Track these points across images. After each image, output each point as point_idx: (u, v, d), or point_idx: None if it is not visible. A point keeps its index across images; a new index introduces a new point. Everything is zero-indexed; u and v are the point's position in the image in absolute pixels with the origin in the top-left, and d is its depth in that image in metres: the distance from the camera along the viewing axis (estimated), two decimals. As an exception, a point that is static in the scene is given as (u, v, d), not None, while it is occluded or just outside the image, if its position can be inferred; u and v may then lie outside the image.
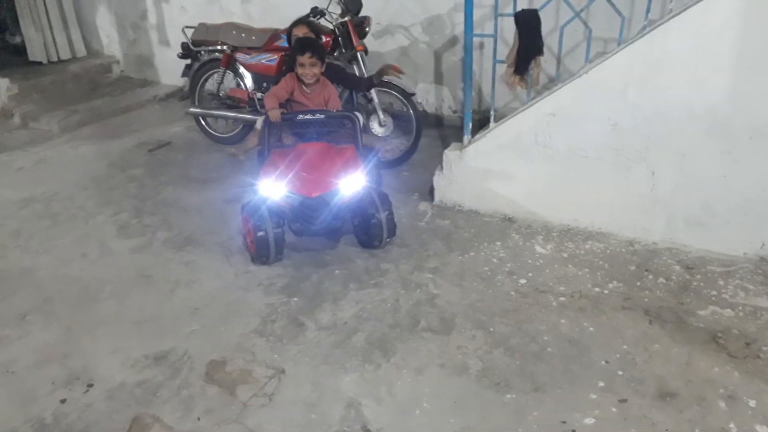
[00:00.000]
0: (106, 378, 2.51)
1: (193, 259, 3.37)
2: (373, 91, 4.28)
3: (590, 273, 3.05)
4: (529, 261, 3.18)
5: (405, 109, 4.40)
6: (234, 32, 4.69)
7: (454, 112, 5.12)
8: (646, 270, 3.03)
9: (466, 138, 3.57)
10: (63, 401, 2.39)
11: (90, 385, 2.47)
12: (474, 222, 3.59)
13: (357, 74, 4.29)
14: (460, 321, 2.76)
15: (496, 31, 3.34)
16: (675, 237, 3.15)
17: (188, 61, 4.99)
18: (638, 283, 2.95)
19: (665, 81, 2.90)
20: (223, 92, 4.85)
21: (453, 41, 4.87)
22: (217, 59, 4.79)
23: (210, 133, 5.07)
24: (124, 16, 6.58)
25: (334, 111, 3.30)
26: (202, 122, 5.06)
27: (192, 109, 4.92)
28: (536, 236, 3.39)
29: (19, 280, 3.25)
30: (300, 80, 3.42)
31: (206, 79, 4.96)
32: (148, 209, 4.00)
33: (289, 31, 3.86)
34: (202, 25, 4.89)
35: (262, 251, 3.13)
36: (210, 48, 4.80)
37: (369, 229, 3.21)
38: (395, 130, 4.53)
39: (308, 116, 3.28)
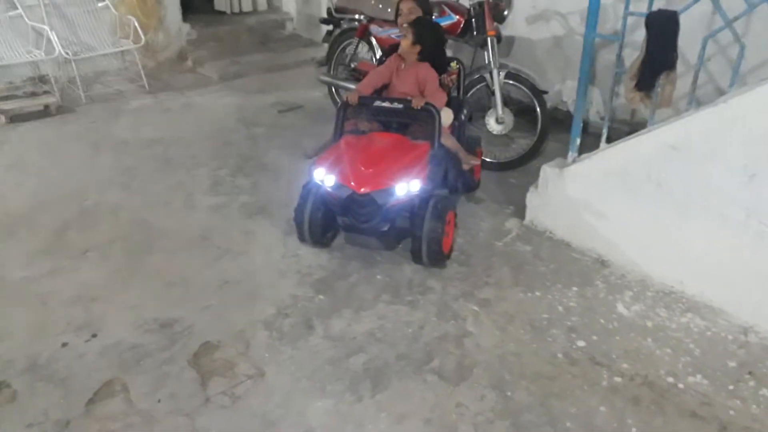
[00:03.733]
0: (110, 332, 2.54)
1: (255, 230, 3.31)
2: (496, 82, 3.81)
3: (672, 356, 2.38)
4: (602, 320, 2.58)
5: (533, 107, 3.88)
6: (372, 2, 4.48)
7: (602, 118, 4.37)
8: (750, 372, 2.28)
9: (571, 155, 2.99)
10: (64, 345, 2.47)
11: (94, 335, 2.53)
12: (559, 255, 3.02)
13: (486, 61, 3.83)
14: (478, 373, 2.33)
15: (623, 32, 2.69)
16: (810, 339, 2.33)
17: (330, 27, 4.91)
18: (731, 387, 2.23)
19: (838, 128, 2.08)
20: (354, 63, 4.71)
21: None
22: (355, 29, 4.63)
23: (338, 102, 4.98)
24: (302, -25, 6.72)
25: (416, 102, 2.93)
26: (333, 91, 4.99)
27: (322, 77, 4.85)
28: (625, 291, 2.74)
29: (105, 215, 3.47)
30: (401, 59, 3.16)
31: (344, 48, 4.85)
32: (246, 169, 4.04)
33: (396, 5, 3.53)
34: (346, -10, 4.75)
35: (299, 230, 3.03)
36: (350, 17, 4.66)
37: (411, 245, 2.86)
38: (518, 129, 4.03)
39: (385, 104, 2.98)
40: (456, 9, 3.98)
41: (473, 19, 3.96)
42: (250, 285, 2.85)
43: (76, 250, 3.13)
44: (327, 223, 3.00)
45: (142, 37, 5.47)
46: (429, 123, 2.94)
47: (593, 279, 2.84)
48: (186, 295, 2.78)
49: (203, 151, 4.34)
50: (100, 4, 5.64)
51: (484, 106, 4.02)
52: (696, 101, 2.65)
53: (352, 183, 2.74)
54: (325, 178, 2.82)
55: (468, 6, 3.99)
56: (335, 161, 2.85)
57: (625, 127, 3.96)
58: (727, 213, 2.42)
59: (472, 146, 3.51)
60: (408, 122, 3.04)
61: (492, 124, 3.91)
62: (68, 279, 2.90)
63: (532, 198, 3.20)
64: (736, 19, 2.39)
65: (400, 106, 2.96)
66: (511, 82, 3.89)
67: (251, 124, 4.83)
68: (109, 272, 2.96)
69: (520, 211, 3.37)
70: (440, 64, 3.27)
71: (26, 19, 5.26)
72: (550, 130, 3.92)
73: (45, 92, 5.25)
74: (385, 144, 2.92)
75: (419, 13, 3.44)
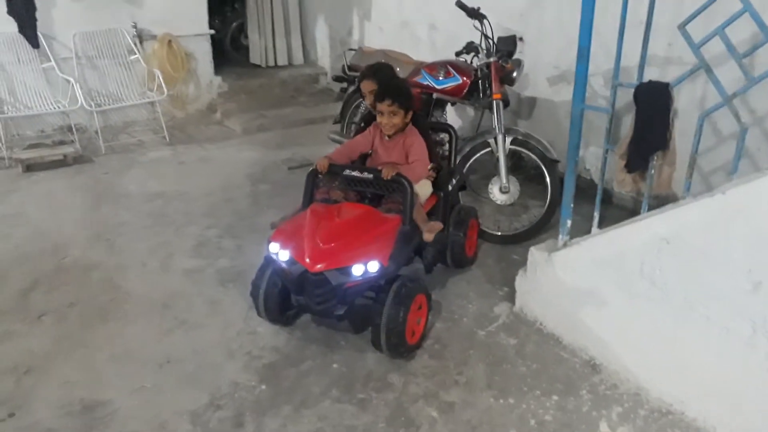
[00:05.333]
0: (31, 411, 2.34)
1: (221, 300, 3.09)
2: (500, 148, 3.50)
3: (657, 500, 1.93)
4: (578, 442, 2.16)
5: (542, 176, 3.54)
6: (383, 60, 4.29)
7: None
8: None
9: (561, 239, 2.62)
10: (-25, 424, 2.29)
11: (11, 414, 2.33)
12: (545, 353, 2.62)
13: (493, 126, 3.53)
14: (414, 500, 1.96)
15: (613, 105, 2.35)
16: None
17: (345, 85, 4.76)
18: None
19: None
20: (363, 123, 4.51)
21: (639, 102, 3.74)
22: (366, 87, 4.46)
23: (348, 161, 4.78)
24: (336, 29, 6.70)
25: (386, 172, 2.66)
26: (344, 149, 4.80)
27: (332, 135, 4.68)
28: (613, 406, 2.31)
29: (77, 275, 3.34)
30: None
31: (357, 107, 4.68)
32: (236, 230, 3.86)
33: (358, 85, 3.31)
34: (360, 49, 4.64)
35: (255, 306, 2.78)
36: (362, 74, 4.49)
37: (371, 333, 2.55)
38: (533, 197, 3.70)
39: (355, 173, 2.73)
40: (461, 70, 3.73)
41: (480, 81, 3.70)
42: (193, 366, 2.61)
43: (34, 312, 2.99)
44: (286, 301, 2.73)
45: (164, 89, 5.51)
46: (401, 196, 2.66)
47: (579, 387, 2.42)
48: (123, 373, 2.56)
49: (201, 207, 4.22)
50: (131, 57, 5.75)
51: (488, 174, 3.71)
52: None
53: (307, 259, 2.47)
54: (279, 252, 2.57)
55: (475, 67, 3.73)
56: (293, 233, 2.60)
57: (653, 202, 3.55)
58: (731, 325, 1.98)
59: (464, 218, 3.19)
60: (380, 194, 2.77)
61: (495, 194, 3.58)
62: (14, 345, 2.75)
63: (521, 283, 2.83)
64: (734, 96, 2.01)
65: (370, 176, 2.70)
66: (518, 148, 3.57)
67: (258, 181, 4.69)
68: (58, 340, 2.79)
69: (514, 295, 2.99)
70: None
71: (58, 71, 5.41)
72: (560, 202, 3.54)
73: (72, 142, 5.35)
74: (351, 217, 2.64)
75: None
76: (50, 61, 5.38)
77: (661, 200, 3.19)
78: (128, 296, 3.14)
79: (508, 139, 3.54)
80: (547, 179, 3.51)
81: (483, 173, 3.85)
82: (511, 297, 3.00)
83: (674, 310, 2.14)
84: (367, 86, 3.26)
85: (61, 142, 5.40)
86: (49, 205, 4.27)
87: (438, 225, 2.77)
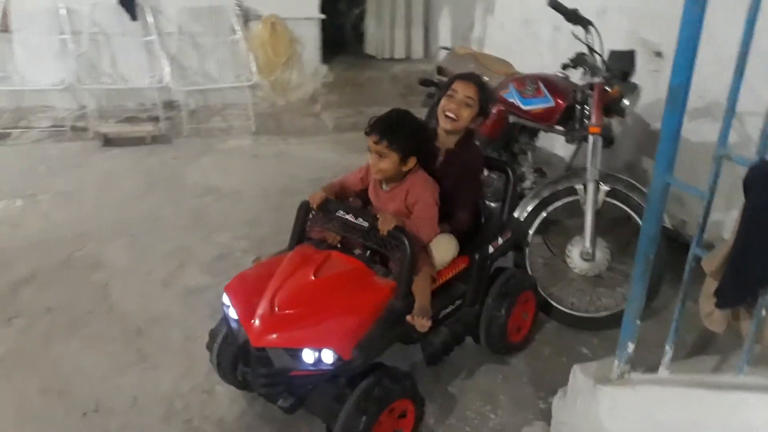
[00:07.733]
0: None
1: (198, 337, 2.56)
2: (590, 200, 2.60)
3: None
4: None
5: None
6: (471, 66, 3.52)
7: None
8: None
9: (617, 367, 1.73)
10: None
11: None
12: None
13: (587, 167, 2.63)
14: None
15: (713, 185, 1.42)
16: None
17: (432, 90, 4.04)
18: None
19: None
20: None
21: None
22: (451, 95, 3.71)
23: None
24: (457, 24, 5.95)
25: (383, 222, 1.95)
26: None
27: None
28: None
29: (80, 273, 3.05)
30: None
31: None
32: (265, 246, 3.32)
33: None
34: (452, 50, 3.87)
35: (210, 360, 2.19)
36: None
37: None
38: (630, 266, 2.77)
39: (349, 216, 2.05)
40: (556, 89, 2.84)
41: (580, 106, 2.80)
42: (118, 424, 2.12)
43: (9, 313, 2.71)
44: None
45: (255, 75, 5.17)
46: (400, 256, 1.93)
47: None
48: (40, 415, 2.15)
49: (246, 212, 3.78)
50: (233, 37, 5.48)
51: (569, 229, 2.82)
52: None
53: (253, 326, 1.85)
54: (230, 307, 1.98)
55: (577, 87, 2.83)
56: (255, 283, 1.99)
57: None
58: None
59: (511, 290, 2.36)
60: (375, 248, 2.05)
61: (575, 259, 2.67)
62: (-36, 350, 2.47)
63: (558, 409, 1.98)
64: None
65: (365, 224, 2.00)
66: (615, 202, 2.64)
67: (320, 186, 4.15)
68: (9, 353, 2.46)
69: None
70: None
71: (158, 46, 5.28)
72: (665, 279, 2.58)
73: (162, 119, 5.21)
74: (332, 274, 1.98)
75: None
76: (152, 34, 5.26)
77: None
78: (109, 311, 2.76)
79: (604, 189, 2.62)
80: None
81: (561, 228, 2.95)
82: (550, 414, 2.15)
83: None
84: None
85: (156, 118, 5.29)
86: (103, 186, 4.08)
87: (426, 323, 1.94)
